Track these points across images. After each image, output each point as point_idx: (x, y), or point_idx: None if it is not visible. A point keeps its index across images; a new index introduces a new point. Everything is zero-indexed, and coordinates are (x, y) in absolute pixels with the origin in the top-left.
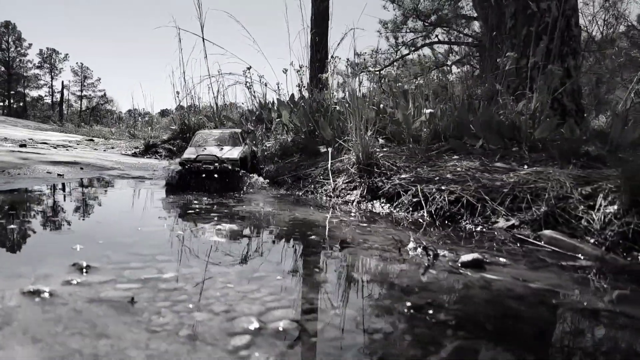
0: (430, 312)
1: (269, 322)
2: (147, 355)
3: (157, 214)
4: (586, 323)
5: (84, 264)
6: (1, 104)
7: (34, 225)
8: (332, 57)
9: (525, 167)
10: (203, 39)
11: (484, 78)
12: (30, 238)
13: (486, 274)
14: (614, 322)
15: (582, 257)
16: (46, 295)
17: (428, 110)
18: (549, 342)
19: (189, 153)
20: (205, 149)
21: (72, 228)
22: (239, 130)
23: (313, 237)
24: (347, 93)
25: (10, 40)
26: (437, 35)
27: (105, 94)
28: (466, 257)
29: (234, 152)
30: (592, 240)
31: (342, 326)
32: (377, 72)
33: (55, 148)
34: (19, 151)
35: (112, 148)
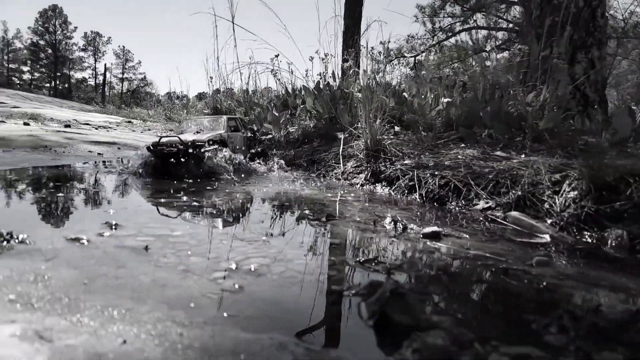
0: (373, 264)
1: (244, 265)
2: (152, 279)
3: (179, 188)
4: (494, 276)
5: (114, 223)
6: (48, 85)
7: (76, 194)
8: (357, 46)
9: (523, 156)
10: (233, 22)
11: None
12: (73, 204)
13: (439, 243)
14: (520, 277)
15: (537, 235)
16: (84, 242)
17: (445, 100)
18: (453, 284)
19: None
20: (182, 133)
21: (106, 197)
22: (225, 117)
23: (307, 211)
24: (363, 81)
25: (56, 24)
26: (475, 21)
27: (145, 77)
28: (427, 229)
29: (203, 136)
30: (549, 221)
31: (299, 270)
32: (402, 58)
33: (96, 129)
34: (64, 131)
35: (149, 130)
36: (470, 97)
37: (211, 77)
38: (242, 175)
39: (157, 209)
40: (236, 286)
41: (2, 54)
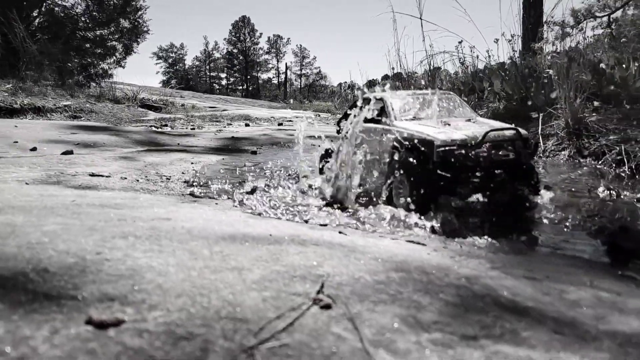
0: (596, 217)
1: None
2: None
3: None
4: None
5: None
6: (240, 87)
7: None
8: (545, 22)
9: None
10: (421, 19)
11: None
12: None
13: None
14: None
15: None
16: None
17: None
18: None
19: (436, 132)
20: (447, 123)
21: None
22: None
23: None
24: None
25: (246, 32)
26: None
27: (320, 71)
28: None
29: (468, 130)
30: None
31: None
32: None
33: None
34: (283, 129)
35: None
36: None
37: (393, 68)
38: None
39: None
40: None
41: (204, 65)
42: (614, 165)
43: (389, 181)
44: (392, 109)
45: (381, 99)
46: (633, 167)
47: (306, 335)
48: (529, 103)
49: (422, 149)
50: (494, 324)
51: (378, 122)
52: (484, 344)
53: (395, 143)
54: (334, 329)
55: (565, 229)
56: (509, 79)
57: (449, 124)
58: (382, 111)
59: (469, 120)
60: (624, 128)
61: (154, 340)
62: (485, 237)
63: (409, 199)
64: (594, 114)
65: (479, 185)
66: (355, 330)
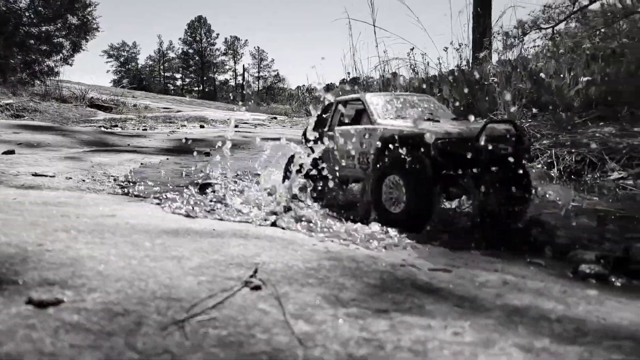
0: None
1: None
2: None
3: None
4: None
5: None
6: (196, 88)
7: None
8: (489, 32)
9: None
10: (374, 25)
11: None
12: None
13: (573, 203)
14: (633, 220)
15: None
16: None
17: (585, 79)
18: (579, 223)
19: (429, 126)
20: (435, 121)
21: None
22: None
23: None
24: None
25: (202, 33)
26: None
27: (278, 74)
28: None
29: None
30: None
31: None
32: (538, 31)
33: (255, 127)
34: (237, 131)
35: (296, 125)
36: (612, 73)
37: (348, 73)
38: None
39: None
40: None
41: (159, 64)
42: (545, 167)
43: (377, 181)
44: (375, 108)
45: (359, 100)
46: (561, 169)
47: (234, 311)
48: (475, 109)
49: (417, 145)
50: (405, 300)
51: (356, 124)
52: (393, 316)
53: (382, 142)
54: (261, 306)
55: (491, 224)
56: (457, 85)
57: (438, 121)
58: (359, 113)
59: (455, 119)
60: (556, 133)
61: (92, 316)
62: (420, 233)
63: (404, 199)
64: (530, 120)
65: (476, 181)
66: (280, 306)
